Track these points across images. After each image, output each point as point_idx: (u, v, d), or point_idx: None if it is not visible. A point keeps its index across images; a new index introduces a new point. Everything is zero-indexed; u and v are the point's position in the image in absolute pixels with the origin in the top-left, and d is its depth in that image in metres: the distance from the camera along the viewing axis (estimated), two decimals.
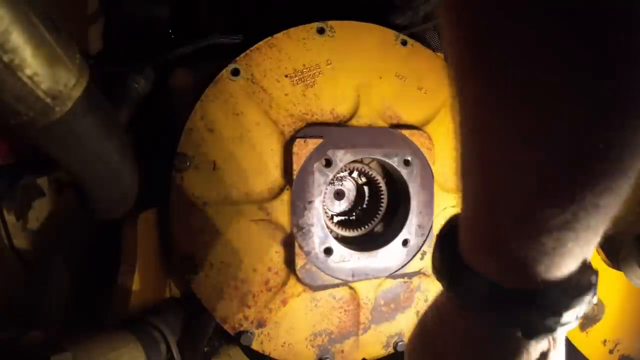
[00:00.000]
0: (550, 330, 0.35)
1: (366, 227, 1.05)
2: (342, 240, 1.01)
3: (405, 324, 1.09)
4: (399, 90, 1.01)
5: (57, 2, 0.74)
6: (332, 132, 0.92)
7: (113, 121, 0.54)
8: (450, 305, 0.42)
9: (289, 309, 0.94)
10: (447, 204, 1.08)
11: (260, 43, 0.88)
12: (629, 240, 0.84)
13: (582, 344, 1.01)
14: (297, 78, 0.91)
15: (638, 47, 0.25)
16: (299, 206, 0.90)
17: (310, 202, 0.91)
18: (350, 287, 0.98)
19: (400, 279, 1.04)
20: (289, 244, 0.91)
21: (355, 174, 1.08)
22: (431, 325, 0.46)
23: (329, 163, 0.91)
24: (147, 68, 0.86)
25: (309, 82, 0.92)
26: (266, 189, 0.89)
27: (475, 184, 0.36)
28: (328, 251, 0.93)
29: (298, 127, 0.90)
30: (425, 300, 1.10)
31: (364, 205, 1.09)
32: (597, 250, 0.95)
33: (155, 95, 0.94)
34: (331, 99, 0.94)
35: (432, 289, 1.10)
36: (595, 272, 0.37)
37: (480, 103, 0.31)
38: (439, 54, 1.11)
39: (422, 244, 1.03)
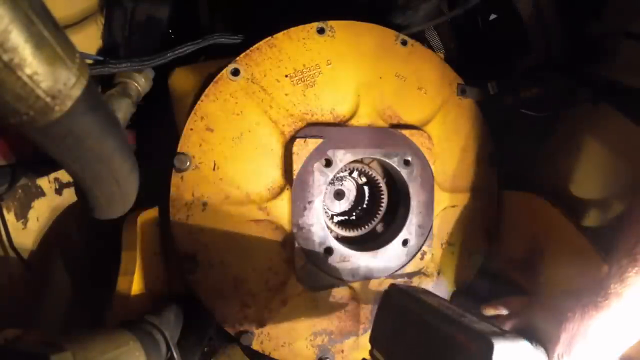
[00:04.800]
0: None
1: (366, 227, 1.05)
2: (342, 240, 1.01)
3: None
4: (399, 90, 1.01)
5: (57, 2, 0.74)
6: (332, 132, 0.92)
7: (113, 121, 0.53)
8: None
9: (289, 309, 0.94)
10: (447, 204, 1.08)
11: (260, 43, 0.88)
12: None
13: None
14: (297, 78, 0.91)
15: None
16: (299, 206, 0.90)
17: (310, 202, 0.91)
18: (350, 287, 0.98)
19: (400, 278, 1.04)
20: (289, 244, 0.91)
21: (355, 174, 1.08)
22: None
23: (329, 163, 0.91)
24: (147, 68, 0.86)
25: (309, 82, 0.92)
26: (266, 189, 0.89)
27: None
28: (328, 251, 0.93)
29: (298, 127, 0.90)
30: None
31: (364, 205, 1.09)
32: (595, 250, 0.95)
33: (155, 95, 0.94)
34: (331, 99, 0.94)
35: (432, 288, 1.10)
36: None
37: None
38: (439, 54, 1.11)
39: (422, 244, 1.03)
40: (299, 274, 0.91)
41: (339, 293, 0.99)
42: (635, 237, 0.64)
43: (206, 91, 0.85)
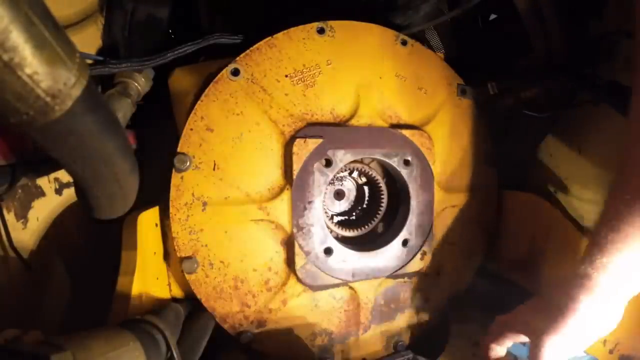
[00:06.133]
0: None
1: (366, 227, 1.05)
2: (342, 240, 1.01)
3: (405, 323, 1.09)
4: (399, 90, 1.01)
5: (57, 2, 0.74)
6: (332, 132, 0.92)
7: (113, 120, 0.54)
8: None
9: (289, 309, 0.94)
10: (447, 204, 1.08)
11: (260, 43, 0.88)
12: None
13: None
14: (297, 78, 0.91)
15: None
16: (299, 206, 0.90)
17: (310, 202, 0.91)
18: (350, 287, 0.98)
19: (400, 278, 1.04)
20: (289, 244, 0.91)
21: (355, 174, 1.08)
22: None
23: (329, 163, 0.91)
24: (147, 68, 0.86)
25: (309, 82, 0.92)
26: (266, 189, 0.89)
27: None
28: (328, 251, 0.93)
29: (298, 127, 0.90)
30: (426, 301, 1.10)
31: (364, 205, 1.09)
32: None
33: (155, 95, 0.94)
34: (331, 99, 0.94)
35: (432, 289, 1.10)
36: None
37: None
38: (439, 54, 1.11)
39: (422, 244, 1.03)
40: (299, 274, 0.91)
41: (339, 293, 0.99)
42: (614, 210, 0.63)
43: (206, 91, 0.85)
